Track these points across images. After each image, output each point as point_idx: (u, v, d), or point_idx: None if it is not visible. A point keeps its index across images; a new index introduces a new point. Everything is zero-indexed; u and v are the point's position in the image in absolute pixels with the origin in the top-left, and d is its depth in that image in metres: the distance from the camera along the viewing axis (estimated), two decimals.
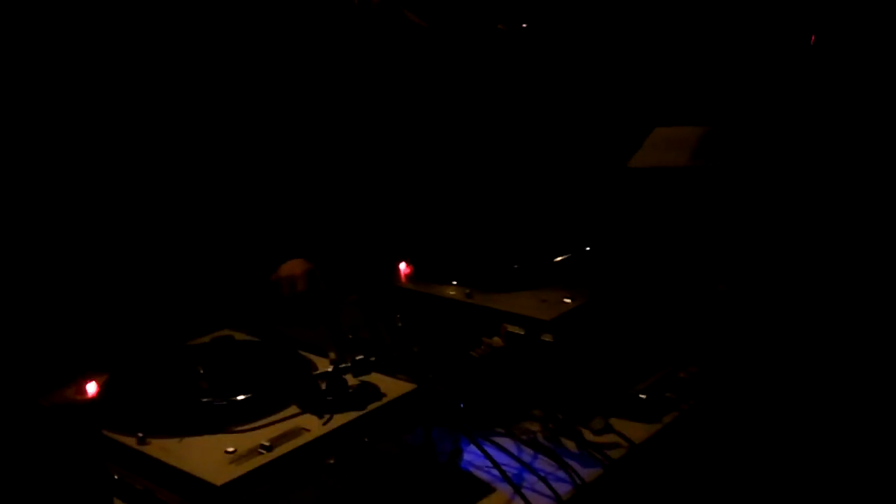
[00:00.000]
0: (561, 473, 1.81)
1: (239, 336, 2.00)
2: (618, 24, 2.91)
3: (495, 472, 1.78)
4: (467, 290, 2.20)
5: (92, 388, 1.74)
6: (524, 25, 2.56)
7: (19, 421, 1.74)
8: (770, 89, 2.70)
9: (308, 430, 1.62)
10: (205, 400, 1.69)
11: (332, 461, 1.60)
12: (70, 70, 2.04)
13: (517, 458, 1.84)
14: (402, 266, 2.32)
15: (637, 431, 1.96)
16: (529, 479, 1.80)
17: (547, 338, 2.00)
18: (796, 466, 2.22)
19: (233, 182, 2.40)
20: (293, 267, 2.35)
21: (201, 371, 1.80)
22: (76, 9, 2.00)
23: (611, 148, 2.75)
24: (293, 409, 1.69)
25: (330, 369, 1.72)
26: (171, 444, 1.59)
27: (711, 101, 2.82)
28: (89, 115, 2.12)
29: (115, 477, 1.61)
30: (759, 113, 2.69)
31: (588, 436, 1.91)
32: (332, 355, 1.75)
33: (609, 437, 1.92)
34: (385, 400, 1.71)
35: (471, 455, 1.84)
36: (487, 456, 1.78)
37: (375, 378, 1.76)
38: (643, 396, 2.04)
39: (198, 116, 2.34)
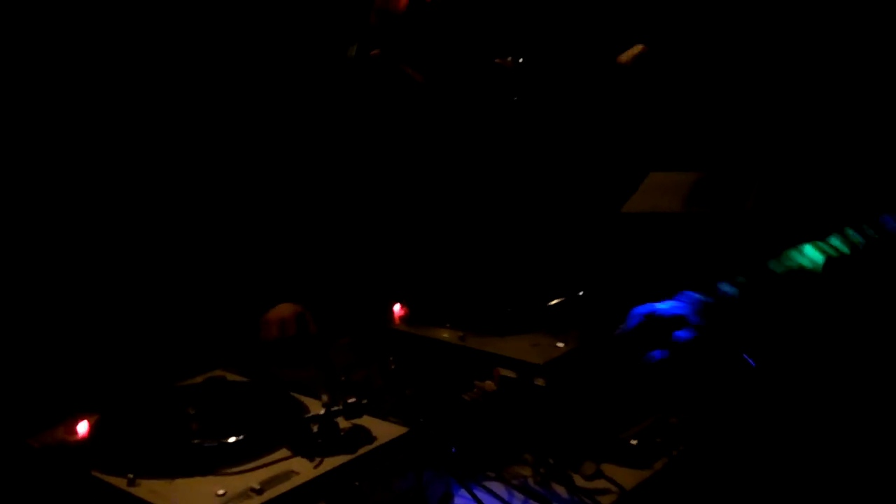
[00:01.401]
0: None
1: (231, 377, 2.01)
2: (613, 69, 2.94)
3: None
4: (461, 333, 2.21)
5: (83, 428, 1.74)
6: (520, 60, 2.59)
7: (9, 462, 1.75)
8: (765, 135, 2.73)
9: (299, 473, 1.63)
10: (195, 441, 1.70)
11: None
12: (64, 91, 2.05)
13: (508, 503, 1.84)
14: (396, 308, 2.33)
15: (627, 477, 1.97)
16: None
17: (539, 382, 2.01)
18: None
19: (225, 222, 2.42)
20: (282, 310, 2.37)
21: (192, 412, 1.81)
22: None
23: (605, 193, 2.77)
24: (284, 452, 1.70)
25: (322, 412, 1.73)
26: (162, 485, 1.60)
27: (706, 146, 2.85)
28: (75, 153, 2.13)
29: None
30: (754, 159, 2.71)
31: (579, 481, 1.92)
32: (325, 398, 1.76)
33: (600, 483, 1.92)
34: (376, 443, 1.72)
35: (461, 500, 1.85)
36: (478, 501, 1.78)
37: (367, 421, 1.77)
38: (634, 442, 2.04)
39: (195, 155, 2.36)
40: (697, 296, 1.89)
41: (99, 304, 2.16)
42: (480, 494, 1.80)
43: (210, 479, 1.62)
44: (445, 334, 2.23)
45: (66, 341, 2.10)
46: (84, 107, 2.12)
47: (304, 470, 1.64)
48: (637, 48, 2.69)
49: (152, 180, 2.28)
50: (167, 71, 2.22)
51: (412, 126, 2.74)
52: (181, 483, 1.61)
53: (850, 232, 1.99)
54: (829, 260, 1.95)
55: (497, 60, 2.65)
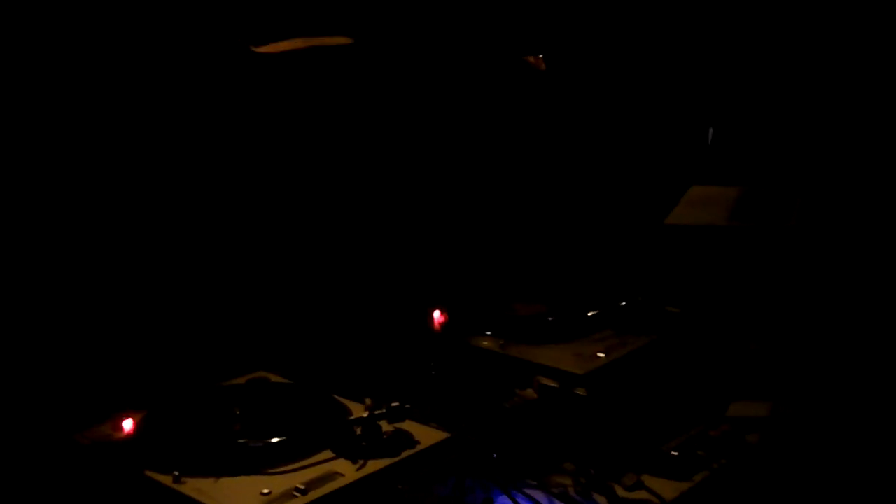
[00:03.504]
0: None
1: (274, 378, 2.04)
2: (658, 82, 2.95)
3: None
4: (501, 341, 2.22)
5: (129, 425, 1.77)
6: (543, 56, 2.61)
7: (57, 458, 1.78)
8: (808, 149, 2.73)
9: (342, 475, 1.65)
10: (241, 441, 1.72)
11: None
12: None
13: None
14: (437, 314, 2.34)
15: (668, 489, 1.97)
16: None
17: (580, 392, 2.02)
18: None
19: (269, 225, 2.45)
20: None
21: (237, 412, 1.83)
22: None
23: (648, 204, 2.77)
24: (328, 454, 1.72)
25: (365, 415, 1.75)
26: (207, 484, 1.62)
27: (750, 159, 2.85)
28: (105, 157, 2.15)
29: None
30: (797, 173, 2.71)
31: (619, 491, 1.92)
32: (368, 401, 1.78)
33: (640, 494, 1.92)
34: (419, 447, 1.74)
35: None
36: None
37: (409, 425, 1.79)
38: (675, 454, 2.04)
39: (234, 160, 2.39)
40: None
41: (145, 302, 2.19)
42: (521, 501, 1.81)
43: (255, 478, 1.64)
44: (486, 342, 2.24)
45: (114, 339, 2.12)
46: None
47: (347, 472, 1.66)
48: None
49: (203, 174, 2.30)
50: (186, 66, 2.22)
51: (456, 132, 2.75)
52: (226, 482, 1.64)
53: None
54: None
55: (529, 59, 2.67)
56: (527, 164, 2.95)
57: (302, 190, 2.48)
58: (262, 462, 1.68)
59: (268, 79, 2.35)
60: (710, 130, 2.91)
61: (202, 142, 2.28)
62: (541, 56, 2.69)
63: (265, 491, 1.59)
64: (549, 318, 2.31)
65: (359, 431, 1.73)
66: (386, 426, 1.76)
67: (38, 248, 2.03)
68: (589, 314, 2.32)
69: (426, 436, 1.77)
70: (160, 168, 2.22)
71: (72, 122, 2.07)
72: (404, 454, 1.71)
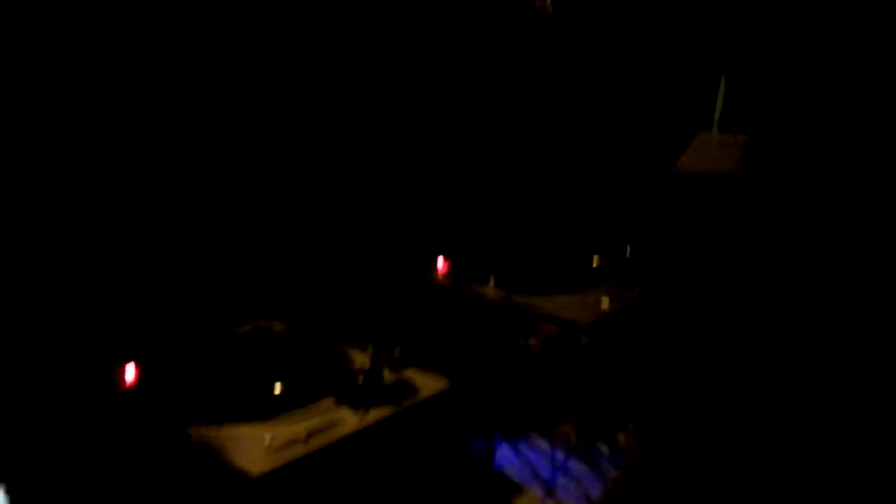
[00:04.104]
0: (592, 475, 1.83)
1: (277, 327, 2.04)
2: (670, 29, 2.91)
3: (528, 471, 1.80)
4: (505, 291, 2.22)
5: (131, 374, 1.77)
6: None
7: (62, 408, 1.79)
8: (819, 99, 2.70)
9: (345, 423, 1.65)
10: (244, 389, 1.72)
11: (367, 455, 1.63)
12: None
13: (550, 459, 1.86)
14: (441, 264, 2.34)
15: (669, 436, 1.98)
16: (562, 480, 1.83)
17: (584, 340, 2.02)
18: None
19: (276, 175, 2.44)
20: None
21: (240, 361, 1.84)
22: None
23: (654, 150, 2.75)
24: (330, 402, 1.73)
25: (368, 364, 1.75)
26: (210, 431, 1.63)
27: (760, 108, 2.82)
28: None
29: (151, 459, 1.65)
30: (808, 122, 2.68)
31: (621, 439, 1.93)
32: (371, 350, 1.78)
33: (641, 441, 1.94)
34: (421, 397, 1.74)
35: (504, 454, 1.87)
36: (521, 456, 1.80)
37: (412, 375, 1.79)
38: (676, 401, 2.05)
39: (255, 113, 2.37)
40: None
41: (149, 251, 2.18)
42: (523, 450, 1.82)
43: (257, 425, 1.64)
44: (489, 291, 2.24)
45: (115, 290, 2.12)
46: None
47: (350, 420, 1.66)
48: None
49: (206, 133, 2.29)
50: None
51: (462, 76, 2.73)
52: (229, 429, 1.64)
53: None
54: None
55: (537, 3, 2.64)
56: (533, 110, 2.93)
57: (307, 135, 2.46)
58: (264, 410, 1.68)
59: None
60: (722, 78, 2.88)
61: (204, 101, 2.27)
62: (547, 1, 2.66)
63: (267, 438, 1.59)
64: (554, 267, 2.30)
65: (361, 380, 1.73)
66: (388, 375, 1.76)
67: (44, 194, 2.03)
68: (594, 263, 2.31)
69: (429, 385, 1.77)
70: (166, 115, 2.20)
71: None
72: (406, 403, 1.71)
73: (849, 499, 2.07)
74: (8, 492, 1.46)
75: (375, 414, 1.68)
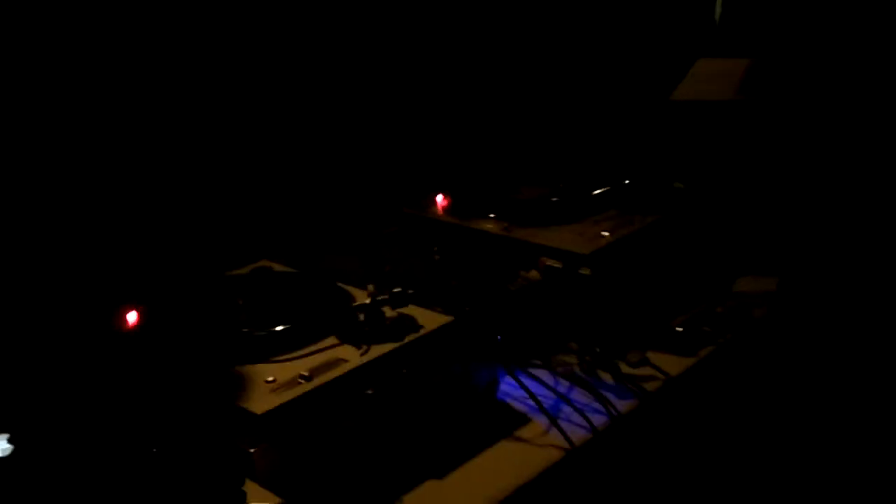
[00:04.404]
0: (597, 405, 1.84)
1: (277, 267, 2.04)
2: None
3: (531, 402, 1.82)
4: (505, 224, 2.22)
5: (132, 317, 1.78)
6: None
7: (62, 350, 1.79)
8: (821, 17, 2.66)
9: (347, 361, 1.66)
10: (245, 330, 1.73)
11: (370, 392, 1.64)
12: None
13: (553, 390, 1.87)
14: (440, 198, 2.34)
15: (673, 364, 1.99)
16: (565, 410, 1.84)
17: (585, 271, 2.02)
18: (828, 413, 2.24)
19: (271, 114, 2.42)
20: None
21: (240, 302, 1.84)
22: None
23: (652, 79, 2.73)
24: (332, 340, 1.73)
25: (368, 301, 1.75)
26: (212, 373, 1.64)
27: (758, 29, 2.78)
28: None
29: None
30: (809, 43, 2.65)
31: (624, 368, 1.94)
32: (371, 288, 1.79)
33: (645, 370, 1.95)
34: (423, 332, 1.75)
35: (507, 386, 1.88)
36: (524, 387, 1.81)
37: (413, 310, 1.80)
38: (680, 330, 2.06)
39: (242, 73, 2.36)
40: None
41: (147, 192, 2.18)
42: (526, 381, 1.83)
43: (259, 366, 1.65)
44: (490, 225, 2.24)
45: (115, 230, 2.12)
46: None
47: (351, 358, 1.67)
48: None
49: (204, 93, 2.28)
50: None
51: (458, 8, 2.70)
52: (231, 369, 1.65)
53: None
54: None
55: None
56: (528, 40, 2.90)
57: (307, 63, 2.44)
58: (266, 350, 1.69)
59: None
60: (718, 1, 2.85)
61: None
62: None
63: (270, 379, 1.60)
64: (554, 199, 2.30)
65: (362, 317, 1.73)
66: (389, 312, 1.77)
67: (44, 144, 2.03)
68: (593, 193, 2.31)
69: (430, 320, 1.78)
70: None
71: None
72: (408, 338, 1.72)
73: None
74: (11, 440, 1.47)
75: (377, 350, 1.69)
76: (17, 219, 2.00)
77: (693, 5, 2.89)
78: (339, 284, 1.94)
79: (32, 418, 1.61)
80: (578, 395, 1.89)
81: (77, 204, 2.07)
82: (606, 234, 2.12)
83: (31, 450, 1.49)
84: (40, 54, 1.98)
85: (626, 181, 2.31)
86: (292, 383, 1.59)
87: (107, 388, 1.70)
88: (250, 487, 1.45)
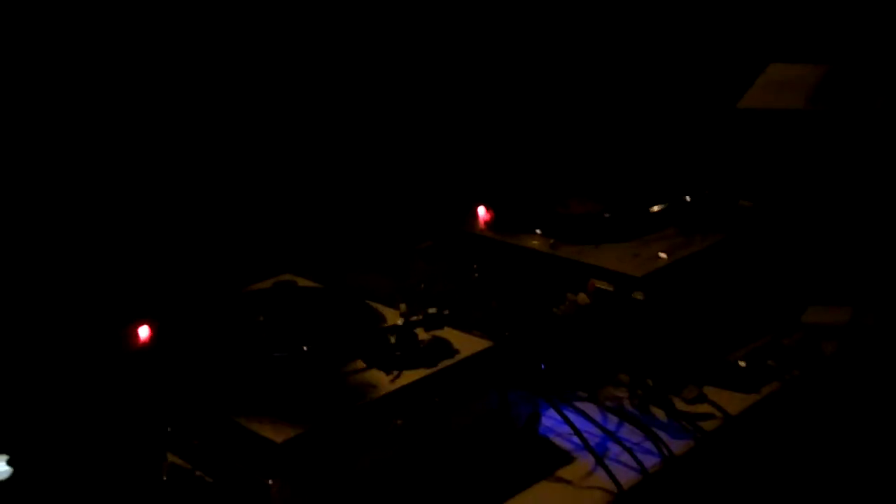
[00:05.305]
0: (648, 445, 1.81)
1: (302, 282, 2.04)
2: None
3: (576, 440, 1.79)
4: (552, 241, 2.20)
5: (144, 333, 1.78)
6: None
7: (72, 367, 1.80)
8: None
9: (375, 387, 1.64)
10: (266, 351, 1.73)
11: (400, 422, 1.63)
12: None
13: (601, 426, 1.84)
14: (481, 211, 2.33)
15: (733, 402, 1.95)
16: (613, 449, 1.81)
17: (638, 296, 1.99)
18: None
19: (300, 125, 2.44)
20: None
21: (261, 319, 1.84)
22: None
23: (718, 86, 2.71)
24: (359, 364, 1.72)
25: (400, 322, 1.74)
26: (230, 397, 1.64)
27: (836, 34, 2.76)
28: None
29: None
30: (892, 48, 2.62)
31: (679, 405, 1.91)
32: (403, 307, 1.77)
33: (702, 408, 1.91)
34: (458, 357, 1.72)
35: (550, 421, 1.86)
36: (568, 422, 1.79)
37: (449, 333, 1.78)
38: (742, 364, 2.03)
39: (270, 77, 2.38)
40: None
41: (164, 202, 2.20)
42: (571, 416, 1.81)
43: (280, 391, 1.65)
44: (535, 241, 2.22)
45: (131, 241, 2.14)
46: None
47: (380, 384, 1.66)
48: None
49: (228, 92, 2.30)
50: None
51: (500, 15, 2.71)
52: (250, 394, 1.64)
53: None
54: None
55: None
56: (580, 42, 2.89)
57: (339, 72, 2.45)
58: (288, 373, 1.68)
59: None
60: None
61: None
62: None
63: (291, 404, 1.60)
64: (606, 215, 2.28)
65: (393, 340, 1.72)
66: (423, 334, 1.75)
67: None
68: (650, 210, 2.29)
69: (466, 344, 1.75)
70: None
71: None
72: (442, 364, 1.70)
73: None
74: (10, 462, 1.47)
75: (408, 376, 1.67)
76: (29, 232, 2.02)
77: (764, 3, 2.87)
78: (368, 303, 1.93)
79: (33, 440, 1.62)
80: (628, 433, 1.86)
81: (88, 210, 2.09)
82: (663, 255, 2.09)
83: (31, 472, 1.50)
84: (61, 72, 2.02)
85: (687, 197, 2.29)
86: (314, 410, 1.59)
87: (113, 408, 1.70)
88: None
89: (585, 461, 1.79)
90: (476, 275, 2.14)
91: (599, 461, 1.76)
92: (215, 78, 2.24)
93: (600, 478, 1.74)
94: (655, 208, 2.28)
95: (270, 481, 1.47)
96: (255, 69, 2.31)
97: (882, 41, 2.61)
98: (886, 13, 2.63)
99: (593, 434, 1.83)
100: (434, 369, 1.68)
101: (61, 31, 2.01)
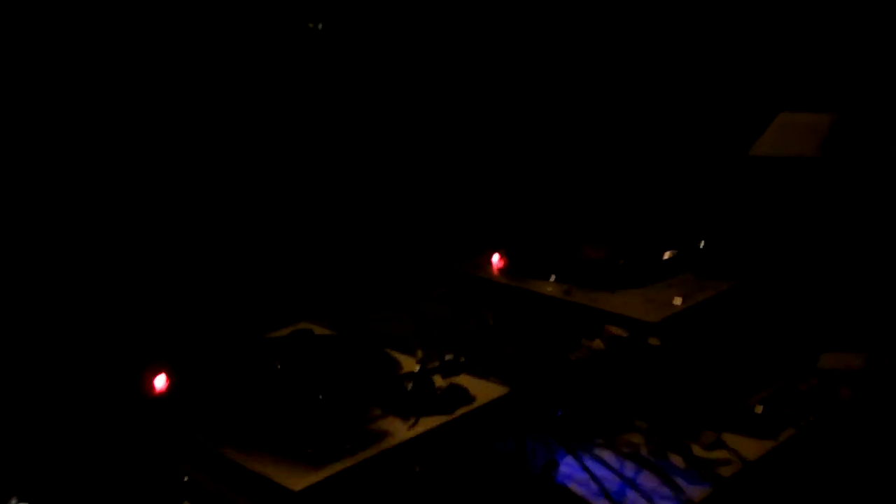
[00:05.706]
0: (666, 491, 1.82)
1: (318, 330, 2.05)
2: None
3: (594, 486, 1.80)
4: (566, 287, 2.20)
5: (161, 382, 1.78)
6: None
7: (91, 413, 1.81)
8: None
9: (392, 434, 1.65)
10: (282, 398, 1.73)
11: (417, 469, 1.63)
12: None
13: (618, 473, 1.85)
14: (496, 258, 2.33)
15: (751, 448, 1.96)
16: (631, 495, 1.81)
17: (653, 342, 2.00)
18: None
19: (316, 169, 2.45)
20: None
21: (279, 367, 1.85)
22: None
23: (730, 133, 2.72)
24: (376, 411, 1.73)
25: (417, 369, 1.75)
26: (247, 444, 1.64)
27: (846, 83, 2.77)
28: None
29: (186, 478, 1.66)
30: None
31: (697, 451, 1.92)
32: (420, 354, 1.78)
33: (720, 453, 1.92)
34: (475, 404, 1.73)
35: (567, 468, 1.86)
36: (586, 469, 1.79)
37: (465, 380, 1.79)
38: (759, 410, 2.03)
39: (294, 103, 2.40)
40: None
41: (182, 247, 2.21)
42: (588, 463, 1.81)
43: (297, 438, 1.65)
44: (549, 287, 2.22)
45: (153, 291, 2.15)
46: None
47: (397, 431, 1.66)
48: None
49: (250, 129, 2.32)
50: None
51: (514, 61, 2.73)
52: (267, 441, 1.65)
53: None
54: None
55: None
56: (595, 90, 2.91)
57: (355, 128, 2.48)
58: (305, 420, 1.69)
59: None
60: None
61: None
62: None
63: (308, 451, 1.60)
64: (620, 261, 2.28)
65: (410, 387, 1.73)
66: (439, 381, 1.76)
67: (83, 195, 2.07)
68: (664, 256, 2.29)
69: (483, 391, 1.76)
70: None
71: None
72: (459, 411, 1.70)
73: None
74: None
75: (426, 423, 1.68)
76: (54, 275, 2.03)
77: (775, 53, 2.88)
78: (385, 350, 1.94)
79: (50, 484, 1.63)
80: (645, 480, 1.87)
81: (113, 256, 2.10)
82: (678, 300, 2.10)
83: None
84: (78, 93, 2.03)
85: (701, 243, 2.29)
86: (332, 458, 1.59)
87: (132, 455, 1.71)
88: None
89: None
90: (491, 321, 2.15)
91: None
92: (236, 116, 2.26)
93: None
94: (669, 254, 2.28)
95: None
96: (281, 114, 2.33)
97: (892, 89, 2.62)
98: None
99: (611, 481, 1.83)
100: (451, 416, 1.69)
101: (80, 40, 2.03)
